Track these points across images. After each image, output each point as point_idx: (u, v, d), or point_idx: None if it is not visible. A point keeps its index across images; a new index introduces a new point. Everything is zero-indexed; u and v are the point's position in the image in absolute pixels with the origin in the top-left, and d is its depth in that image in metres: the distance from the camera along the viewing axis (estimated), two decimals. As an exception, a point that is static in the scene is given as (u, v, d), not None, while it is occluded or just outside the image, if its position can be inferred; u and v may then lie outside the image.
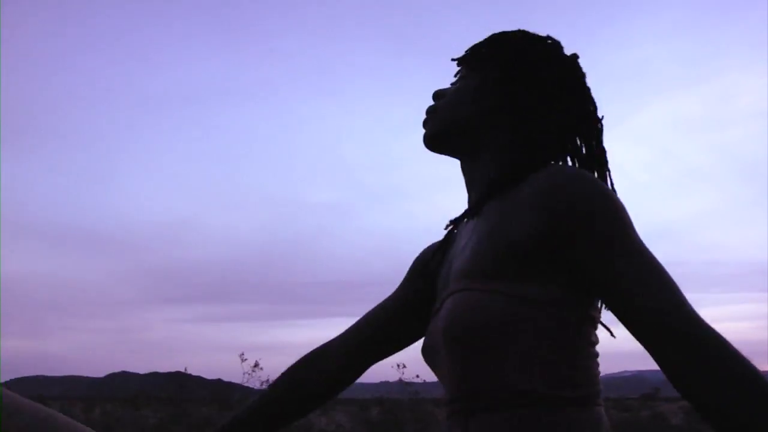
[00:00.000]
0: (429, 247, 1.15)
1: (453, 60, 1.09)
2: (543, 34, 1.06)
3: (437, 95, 1.07)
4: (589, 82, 1.03)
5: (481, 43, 1.06)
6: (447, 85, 1.09)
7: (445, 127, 1.03)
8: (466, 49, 1.08)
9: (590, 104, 1.02)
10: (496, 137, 1.01)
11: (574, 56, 1.04)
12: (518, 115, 1.00)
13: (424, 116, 1.07)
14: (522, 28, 1.07)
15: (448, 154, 1.06)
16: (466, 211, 1.05)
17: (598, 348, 0.93)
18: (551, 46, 1.04)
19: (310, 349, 1.17)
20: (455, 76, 1.09)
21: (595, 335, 0.93)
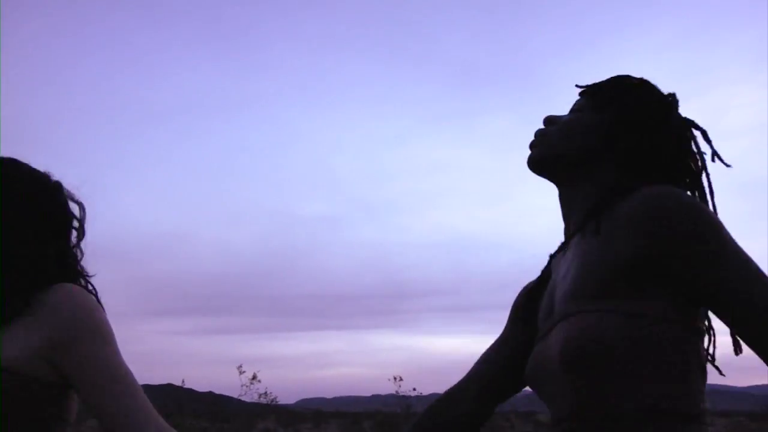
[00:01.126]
0: (525, 288, 1.21)
1: (578, 87, 1.14)
2: (662, 88, 1.11)
3: (549, 121, 1.12)
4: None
5: (605, 82, 1.12)
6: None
7: (553, 155, 1.09)
8: (589, 83, 1.13)
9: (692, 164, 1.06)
10: (600, 174, 1.06)
11: (685, 121, 1.09)
12: (625, 159, 1.05)
13: (532, 138, 1.12)
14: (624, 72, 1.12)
15: (549, 179, 1.12)
16: (563, 242, 1.11)
17: None
18: (667, 102, 1.09)
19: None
20: (575, 105, 1.14)
21: (704, 349, 0.97)
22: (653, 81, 1.11)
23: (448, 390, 1.22)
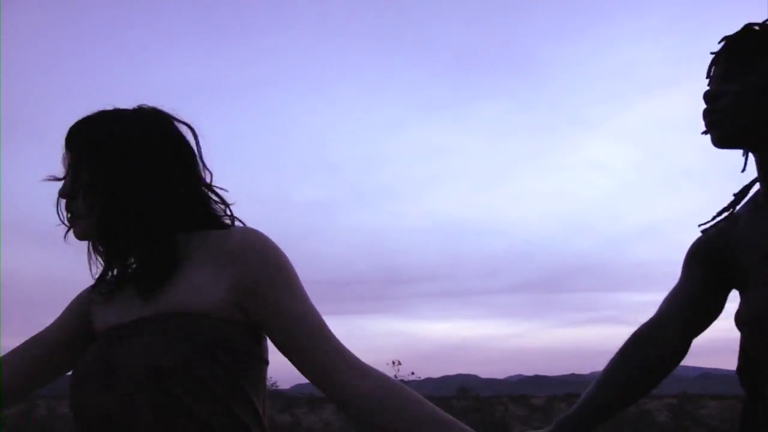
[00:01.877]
0: (699, 239, 1.27)
1: (712, 53, 1.15)
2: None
3: (713, 95, 1.12)
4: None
5: (741, 40, 1.11)
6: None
7: (740, 127, 1.10)
8: (726, 46, 1.13)
9: None
10: None
11: None
12: None
13: (702, 120, 1.14)
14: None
15: (742, 149, 1.15)
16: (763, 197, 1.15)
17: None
18: None
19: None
20: (711, 72, 1.16)
21: None
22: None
23: (643, 328, 1.26)
